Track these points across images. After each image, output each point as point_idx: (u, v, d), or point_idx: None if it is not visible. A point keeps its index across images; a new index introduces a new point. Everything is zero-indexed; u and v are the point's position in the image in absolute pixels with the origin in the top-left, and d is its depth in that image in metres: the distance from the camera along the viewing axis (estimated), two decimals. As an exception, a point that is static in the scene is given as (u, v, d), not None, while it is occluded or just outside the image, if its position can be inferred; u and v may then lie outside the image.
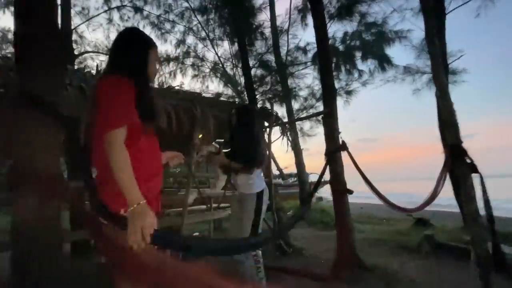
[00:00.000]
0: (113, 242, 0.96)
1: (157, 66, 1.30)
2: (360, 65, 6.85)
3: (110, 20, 7.00)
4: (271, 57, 7.05)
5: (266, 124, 4.12)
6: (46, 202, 1.26)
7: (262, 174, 2.26)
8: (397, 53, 7.17)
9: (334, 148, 3.12)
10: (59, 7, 5.89)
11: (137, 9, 7.08)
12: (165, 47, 7.62)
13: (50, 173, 1.30)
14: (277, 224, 3.96)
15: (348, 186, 3.18)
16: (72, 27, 6.14)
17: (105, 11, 6.80)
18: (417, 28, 6.16)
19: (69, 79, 2.55)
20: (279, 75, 6.94)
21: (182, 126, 2.93)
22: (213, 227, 5.41)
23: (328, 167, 3.04)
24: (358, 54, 6.71)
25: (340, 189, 3.18)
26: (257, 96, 6.38)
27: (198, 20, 7.22)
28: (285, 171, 11.76)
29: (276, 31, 6.97)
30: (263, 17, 7.09)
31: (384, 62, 6.59)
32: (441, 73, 1.94)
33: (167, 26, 7.40)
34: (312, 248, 4.07)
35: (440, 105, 1.88)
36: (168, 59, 7.61)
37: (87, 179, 1.10)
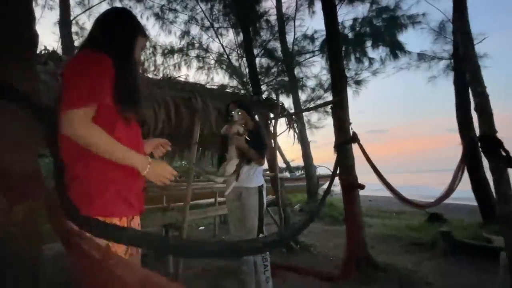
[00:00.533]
0: (85, 253, 0.80)
1: (140, 58, 1.17)
2: (371, 52, 6.56)
3: (111, 10, 6.83)
4: (277, 44, 6.79)
5: (271, 115, 3.92)
6: (16, 203, 1.11)
7: (261, 169, 2.23)
8: (410, 39, 6.79)
9: (344, 140, 2.92)
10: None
11: (140, -1, 6.89)
12: (169, 39, 7.48)
13: (22, 170, 1.15)
14: (284, 220, 3.80)
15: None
16: (72, 18, 6.01)
17: (104, 0, 6.62)
18: (433, 11, 5.77)
19: (60, 69, 2.43)
20: (285, 65, 6.68)
21: (181, 119, 2.78)
22: (219, 220, 5.32)
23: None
24: (369, 42, 6.40)
25: (351, 184, 2.99)
26: (262, 86, 6.16)
27: (201, 8, 7.00)
28: (292, 164, 11.59)
29: (282, 18, 6.71)
30: (269, 4, 6.85)
31: (396, 49, 6.26)
32: (472, 54, 1.71)
33: (171, 16, 7.21)
34: (320, 245, 3.91)
35: (472, 90, 1.66)
36: (172, 51, 7.44)
37: (58, 176, 0.95)
